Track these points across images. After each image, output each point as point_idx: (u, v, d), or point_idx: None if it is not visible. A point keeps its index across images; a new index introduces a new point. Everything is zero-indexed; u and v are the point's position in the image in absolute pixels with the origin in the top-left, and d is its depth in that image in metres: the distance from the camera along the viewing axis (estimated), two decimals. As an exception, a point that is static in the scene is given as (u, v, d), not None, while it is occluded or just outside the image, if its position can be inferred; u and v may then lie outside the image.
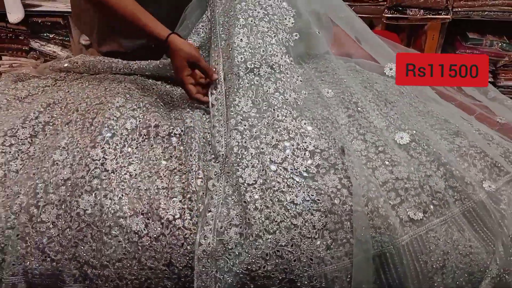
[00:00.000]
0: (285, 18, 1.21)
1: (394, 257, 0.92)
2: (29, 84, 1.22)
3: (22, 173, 0.98)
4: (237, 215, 0.90)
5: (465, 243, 0.96)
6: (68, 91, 1.15)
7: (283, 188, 0.91)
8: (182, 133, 1.03)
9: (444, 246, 0.94)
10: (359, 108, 1.12)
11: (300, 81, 1.13)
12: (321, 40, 1.29)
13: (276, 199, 0.90)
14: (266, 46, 1.12)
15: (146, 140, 1.02)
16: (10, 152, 1.01)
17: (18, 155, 1.01)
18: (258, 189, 0.91)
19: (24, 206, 0.93)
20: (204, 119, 1.09)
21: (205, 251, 0.87)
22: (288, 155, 0.96)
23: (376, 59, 1.32)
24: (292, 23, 1.21)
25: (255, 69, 1.09)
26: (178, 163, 0.98)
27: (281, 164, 0.94)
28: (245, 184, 0.92)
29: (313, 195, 0.91)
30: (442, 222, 0.97)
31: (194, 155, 0.98)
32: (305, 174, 0.94)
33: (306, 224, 0.89)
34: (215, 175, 0.96)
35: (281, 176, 0.93)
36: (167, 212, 0.91)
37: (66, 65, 1.28)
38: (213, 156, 1.00)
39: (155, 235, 0.89)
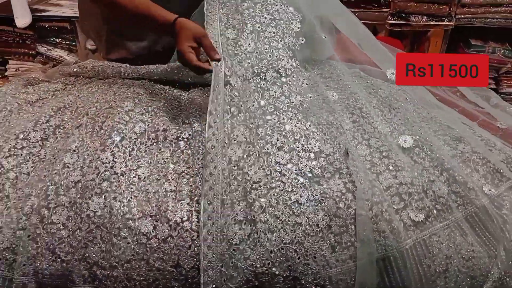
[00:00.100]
0: (292, 23, 1.21)
1: (397, 260, 0.93)
2: (40, 88, 1.24)
3: (33, 175, 1.00)
4: (242, 211, 0.91)
5: (467, 248, 0.97)
6: (78, 95, 1.17)
7: (288, 188, 0.93)
8: (190, 137, 1.05)
9: (447, 250, 0.96)
10: (363, 114, 1.14)
11: (306, 84, 1.13)
12: (326, 45, 1.31)
13: (281, 198, 0.92)
14: (272, 51, 1.14)
15: (154, 144, 1.03)
16: (21, 154, 1.03)
17: (30, 157, 1.03)
18: (263, 188, 0.93)
19: (35, 207, 0.95)
20: None
21: (209, 246, 0.89)
22: (293, 156, 0.97)
23: (378, 65, 1.33)
24: (298, 28, 1.21)
25: (261, 74, 1.10)
26: (186, 166, 1.00)
27: (286, 165, 0.96)
28: (250, 181, 0.94)
29: (317, 195, 0.92)
30: (445, 226, 0.98)
31: (202, 159, 1.00)
32: (309, 174, 0.95)
33: (310, 223, 0.90)
34: (211, 162, 0.95)
35: (286, 177, 0.94)
36: (175, 215, 0.92)
37: (75, 69, 1.30)
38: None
39: (163, 237, 0.91)
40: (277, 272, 0.89)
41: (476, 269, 0.96)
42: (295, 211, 0.91)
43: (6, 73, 2.49)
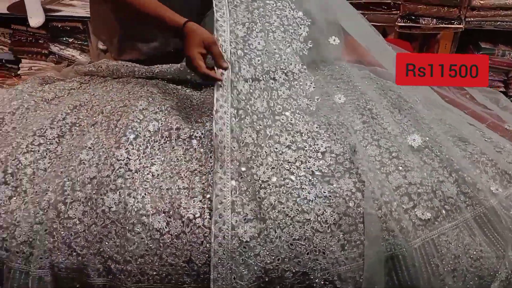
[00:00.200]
0: (300, 28, 1.22)
1: (406, 259, 0.95)
2: (56, 87, 1.27)
3: (50, 171, 1.03)
4: (252, 210, 0.94)
5: (475, 248, 0.98)
6: (93, 94, 1.20)
7: (296, 185, 0.96)
8: (202, 136, 1.07)
9: (456, 250, 0.97)
10: (373, 115, 1.15)
11: (313, 87, 1.15)
12: (335, 48, 1.32)
13: (290, 196, 0.94)
14: (281, 53, 1.15)
15: (168, 142, 1.05)
16: (38, 151, 1.05)
17: (46, 154, 1.06)
18: (272, 186, 0.95)
19: (52, 202, 0.97)
20: None
21: (220, 243, 0.91)
22: (301, 156, 1.00)
23: (386, 67, 1.34)
24: (306, 32, 1.22)
25: (270, 72, 1.11)
26: (199, 164, 1.02)
27: (294, 163, 0.99)
28: (259, 180, 0.96)
29: (325, 192, 0.95)
30: (453, 226, 0.99)
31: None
32: (317, 173, 0.98)
33: (319, 219, 0.93)
34: (220, 168, 0.97)
35: (294, 175, 0.97)
36: (188, 211, 0.94)
37: (90, 68, 1.33)
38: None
39: (176, 233, 0.93)
40: (286, 268, 0.91)
41: (484, 269, 0.97)
42: (304, 207, 0.93)
43: (19, 72, 2.52)
